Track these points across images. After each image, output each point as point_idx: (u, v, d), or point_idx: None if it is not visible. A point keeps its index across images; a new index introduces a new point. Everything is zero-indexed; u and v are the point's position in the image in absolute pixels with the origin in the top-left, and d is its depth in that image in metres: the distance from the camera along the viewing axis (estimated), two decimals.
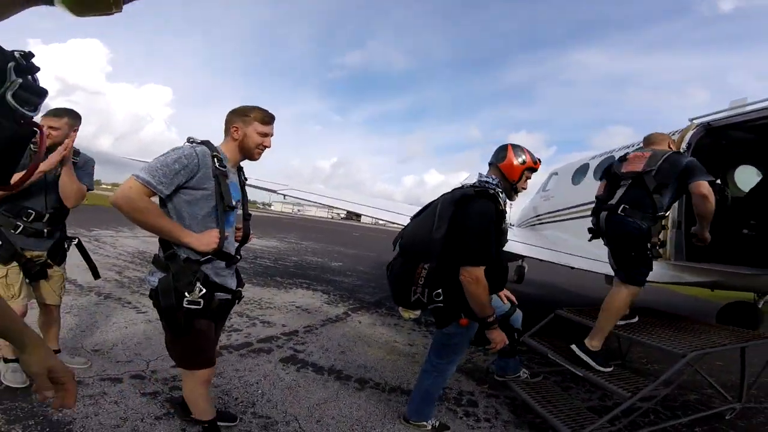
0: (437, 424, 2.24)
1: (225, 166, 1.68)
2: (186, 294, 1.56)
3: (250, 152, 1.78)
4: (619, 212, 2.44)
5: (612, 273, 2.64)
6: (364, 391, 2.67)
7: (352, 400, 2.52)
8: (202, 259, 1.63)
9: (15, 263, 2.14)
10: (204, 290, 1.59)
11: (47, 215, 2.22)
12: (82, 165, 2.35)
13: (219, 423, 1.88)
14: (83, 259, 2.52)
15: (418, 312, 2.00)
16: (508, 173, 2.03)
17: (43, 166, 2.04)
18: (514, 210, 7.10)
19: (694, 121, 3.69)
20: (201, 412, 1.78)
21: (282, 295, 5.33)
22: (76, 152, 2.32)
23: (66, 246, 2.40)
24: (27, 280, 2.23)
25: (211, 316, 1.69)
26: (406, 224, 2.20)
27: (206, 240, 1.61)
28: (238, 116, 1.74)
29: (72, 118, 2.20)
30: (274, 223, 28.34)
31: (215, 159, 1.64)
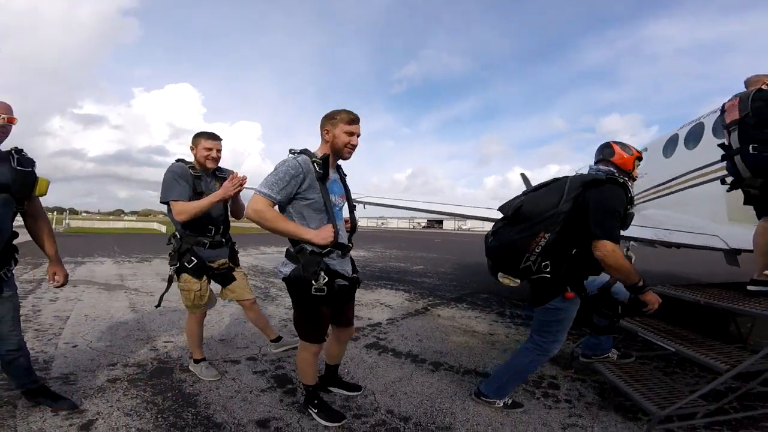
0: (509, 402, 2.22)
1: (325, 168, 1.91)
2: (313, 282, 1.83)
3: (341, 151, 1.97)
4: (750, 151, 2.37)
5: (723, 246, 2.46)
6: (437, 373, 2.76)
7: (424, 380, 2.63)
8: (324, 251, 1.89)
9: (205, 277, 2.53)
10: (327, 278, 1.85)
11: (221, 227, 2.59)
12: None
13: (349, 392, 2.36)
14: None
15: (518, 281, 2.04)
16: (623, 165, 2.13)
17: (221, 195, 2.38)
18: None
19: None
20: (308, 377, 2.08)
21: (368, 295, 5.71)
22: (221, 169, 2.68)
23: (236, 249, 2.78)
24: (220, 287, 2.65)
25: (333, 301, 1.95)
26: (518, 195, 2.21)
27: (323, 235, 1.85)
28: (328, 120, 1.95)
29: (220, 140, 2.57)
30: (360, 236, 29.57)
31: (314, 164, 1.87)
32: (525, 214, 2.01)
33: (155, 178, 2.60)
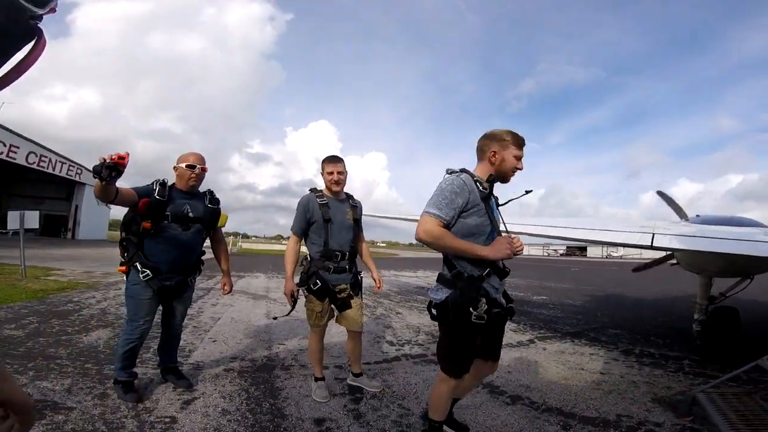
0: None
1: (491, 188, 1.86)
2: (472, 309, 1.72)
3: (506, 175, 1.88)
4: None
5: None
6: (513, 406, 2.51)
7: (493, 411, 2.44)
8: (485, 274, 1.77)
9: (327, 299, 2.59)
10: (487, 306, 1.73)
11: (347, 254, 2.65)
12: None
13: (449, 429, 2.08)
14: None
15: None
16: None
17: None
18: None
19: None
20: (439, 413, 1.93)
21: None
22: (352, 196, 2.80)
23: (360, 278, 2.76)
24: (336, 312, 2.67)
25: (487, 331, 1.85)
26: None
27: (499, 248, 1.72)
28: (496, 141, 1.86)
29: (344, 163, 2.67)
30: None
31: (477, 183, 1.81)
32: None
33: None
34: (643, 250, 2.70)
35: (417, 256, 35.51)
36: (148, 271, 2.36)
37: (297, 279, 2.62)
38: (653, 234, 3.27)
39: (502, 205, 2.02)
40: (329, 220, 2.56)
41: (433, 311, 1.85)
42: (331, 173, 2.61)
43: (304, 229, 2.61)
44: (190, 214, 2.50)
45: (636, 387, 2.87)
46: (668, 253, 5.25)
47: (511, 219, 5.01)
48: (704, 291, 4.31)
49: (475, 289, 1.74)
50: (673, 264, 5.29)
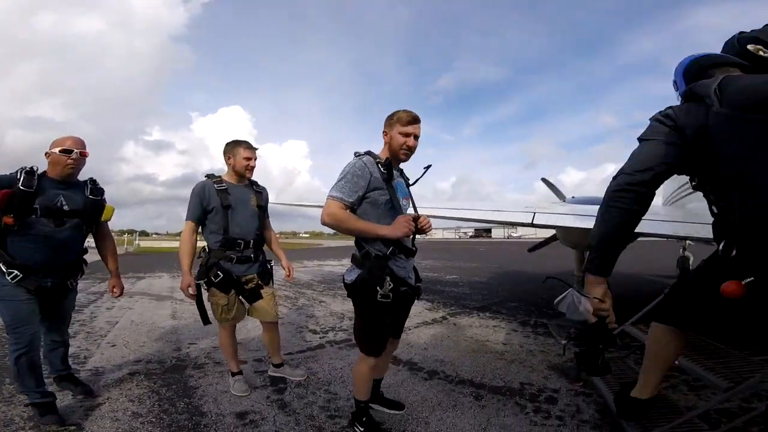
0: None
1: (389, 170, 1.84)
2: (378, 288, 1.77)
3: (396, 153, 1.90)
4: None
5: None
6: (430, 381, 2.73)
7: (413, 387, 2.62)
8: (388, 253, 1.82)
9: (233, 291, 2.47)
10: (392, 285, 1.78)
11: (252, 242, 2.52)
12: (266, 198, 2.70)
13: (390, 411, 2.22)
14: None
15: None
16: None
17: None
18: None
19: None
20: (362, 392, 1.99)
21: None
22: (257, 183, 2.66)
23: (269, 267, 2.66)
24: (247, 304, 2.55)
25: (396, 310, 1.89)
26: None
27: (398, 226, 1.76)
28: (387, 121, 1.90)
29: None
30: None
31: (378, 164, 1.83)
32: None
33: None
34: (537, 231, 3.28)
35: (341, 244, 35.47)
36: (16, 272, 1.97)
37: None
38: (534, 213, 3.87)
39: (412, 184, 2.07)
40: (229, 207, 2.42)
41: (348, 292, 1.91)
42: (249, 159, 2.51)
43: (200, 216, 2.42)
44: (65, 207, 2.11)
45: (533, 356, 3.27)
46: (555, 233, 6.14)
47: (428, 203, 5.35)
48: (579, 264, 5.08)
49: (381, 268, 1.79)
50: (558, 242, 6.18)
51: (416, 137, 1.88)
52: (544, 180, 7.43)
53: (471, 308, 5.44)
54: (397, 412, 2.23)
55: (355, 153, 1.91)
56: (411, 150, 1.89)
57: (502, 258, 17.13)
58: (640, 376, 1.65)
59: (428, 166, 2.04)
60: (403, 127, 1.85)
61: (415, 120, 1.86)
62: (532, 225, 3.98)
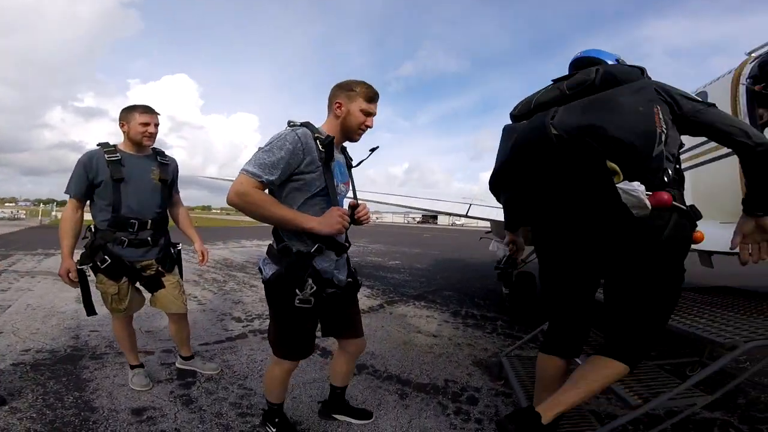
0: None
1: (330, 148, 1.53)
2: (297, 291, 1.49)
3: (351, 132, 1.64)
4: None
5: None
6: (359, 376, 2.65)
7: None
8: (313, 250, 1.54)
9: (125, 278, 2.17)
10: (315, 288, 1.51)
11: (149, 223, 2.19)
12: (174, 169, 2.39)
13: (357, 421, 2.00)
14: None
15: None
16: None
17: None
18: None
19: (752, 54, 2.72)
20: (275, 395, 1.79)
21: None
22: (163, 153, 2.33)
23: (173, 252, 2.36)
24: (147, 293, 2.29)
25: (319, 312, 1.65)
26: None
27: (329, 221, 1.48)
28: (343, 91, 1.61)
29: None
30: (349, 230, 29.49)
31: (317, 140, 1.52)
32: None
33: None
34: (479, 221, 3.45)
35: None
36: None
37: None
38: (470, 205, 3.94)
39: (355, 166, 1.83)
40: (120, 180, 2.08)
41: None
42: (147, 124, 2.15)
43: (84, 191, 2.08)
44: None
45: (460, 349, 3.29)
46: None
47: (380, 188, 5.13)
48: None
49: (302, 268, 1.51)
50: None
51: (374, 116, 1.66)
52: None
53: (408, 296, 5.47)
54: (365, 422, 2.03)
55: (288, 122, 1.58)
56: (367, 130, 1.67)
57: (444, 244, 17.68)
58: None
59: (374, 148, 1.77)
60: (367, 104, 1.60)
61: (378, 97, 1.64)
62: (467, 216, 4.05)
